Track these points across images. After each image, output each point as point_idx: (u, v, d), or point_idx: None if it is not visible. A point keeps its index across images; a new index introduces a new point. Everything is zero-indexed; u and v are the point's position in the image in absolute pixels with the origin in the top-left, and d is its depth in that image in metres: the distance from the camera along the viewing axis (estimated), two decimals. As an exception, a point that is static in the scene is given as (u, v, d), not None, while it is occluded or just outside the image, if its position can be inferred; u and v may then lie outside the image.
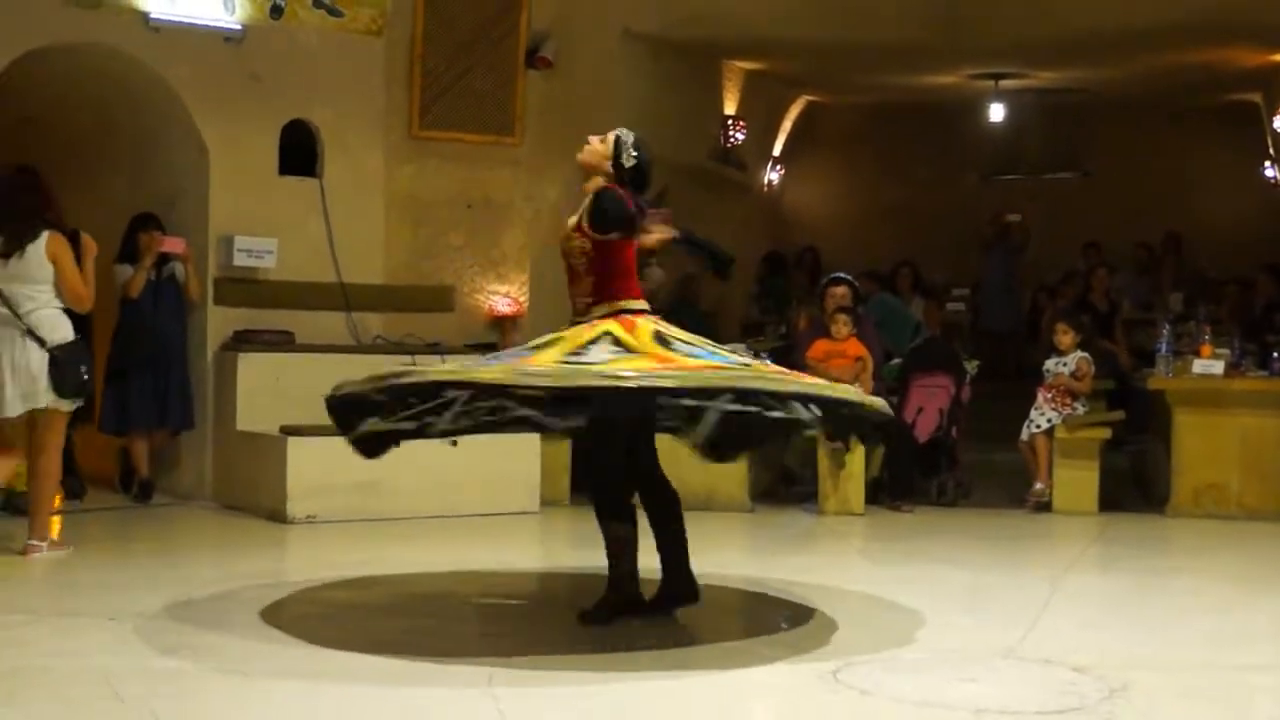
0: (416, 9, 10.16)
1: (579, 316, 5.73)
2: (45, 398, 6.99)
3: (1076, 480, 9.41)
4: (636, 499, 5.82)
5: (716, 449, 5.66)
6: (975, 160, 15.89)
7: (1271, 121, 14.23)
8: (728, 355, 5.64)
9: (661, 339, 5.52)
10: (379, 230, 10.17)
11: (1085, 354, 9.61)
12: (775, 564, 7.66)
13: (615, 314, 5.62)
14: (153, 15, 9.09)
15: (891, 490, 9.54)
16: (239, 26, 9.41)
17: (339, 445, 8.20)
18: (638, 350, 5.41)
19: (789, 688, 4.99)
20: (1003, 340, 14.13)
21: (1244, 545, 8.41)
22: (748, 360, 5.88)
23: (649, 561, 5.84)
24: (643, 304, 5.74)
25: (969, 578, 7.24)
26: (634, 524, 5.74)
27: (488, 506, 8.88)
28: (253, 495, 8.91)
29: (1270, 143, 14.60)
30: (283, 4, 9.52)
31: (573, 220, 5.81)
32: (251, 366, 9.31)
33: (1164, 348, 9.53)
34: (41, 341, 6.95)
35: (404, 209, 10.31)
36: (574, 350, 5.42)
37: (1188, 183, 15.50)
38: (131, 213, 9.36)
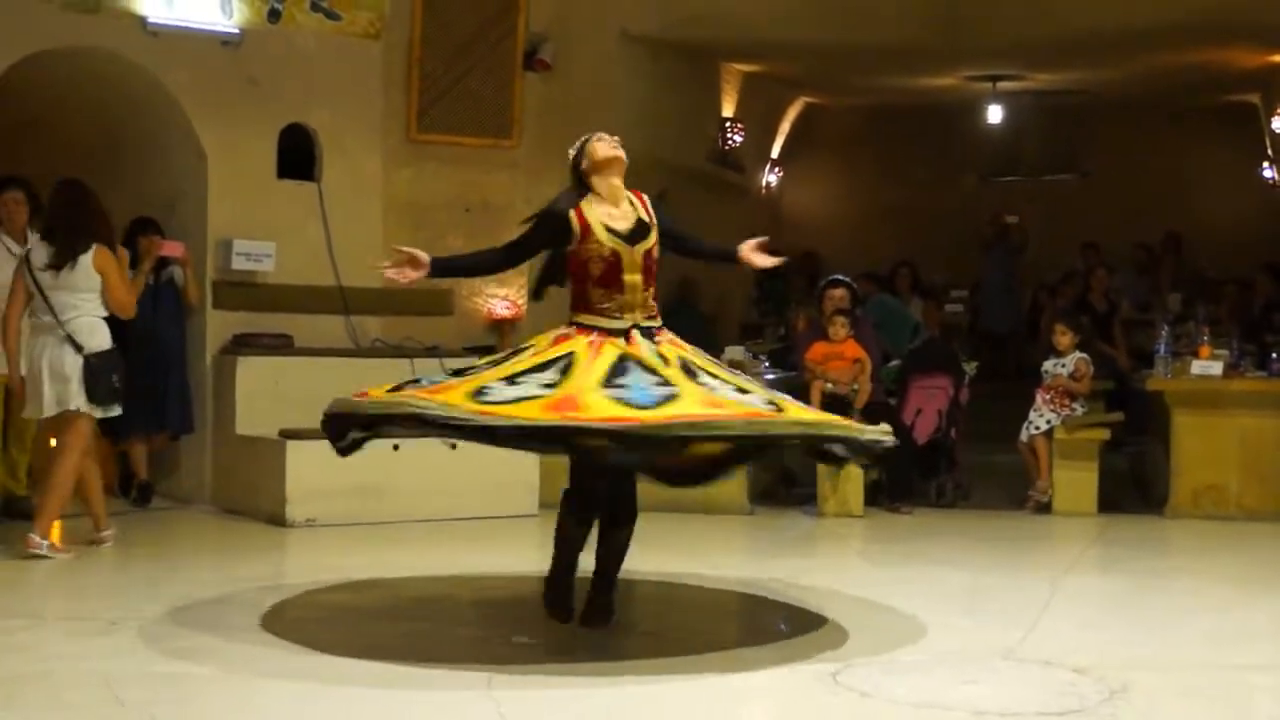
0: (414, 12, 10.16)
1: (637, 320, 5.58)
2: (76, 400, 7.18)
3: (1076, 481, 9.41)
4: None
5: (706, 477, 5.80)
6: (974, 161, 15.90)
7: (1270, 122, 14.24)
8: (754, 395, 5.49)
9: (687, 369, 5.46)
10: (377, 233, 10.16)
11: (1084, 355, 9.61)
12: (774, 566, 7.66)
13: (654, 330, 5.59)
14: (150, 19, 9.10)
15: (891, 492, 9.54)
16: (236, 30, 9.42)
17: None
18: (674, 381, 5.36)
19: (788, 690, 4.99)
20: (1002, 341, 14.13)
21: (1243, 546, 8.41)
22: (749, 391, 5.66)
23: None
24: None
25: (968, 579, 7.24)
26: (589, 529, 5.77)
27: (487, 510, 8.87)
28: (252, 499, 8.91)
29: (1269, 143, 14.61)
30: (280, 7, 9.53)
31: (625, 224, 5.60)
32: (250, 370, 9.31)
33: (1163, 348, 9.53)
34: (79, 347, 7.17)
35: (402, 212, 10.31)
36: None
37: (1186, 183, 15.51)
38: (130, 217, 9.33)
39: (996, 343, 14.00)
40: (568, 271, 5.65)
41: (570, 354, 5.43)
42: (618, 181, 5.68)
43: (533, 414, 5.13)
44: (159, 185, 9.74)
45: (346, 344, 9.85)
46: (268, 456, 8.70)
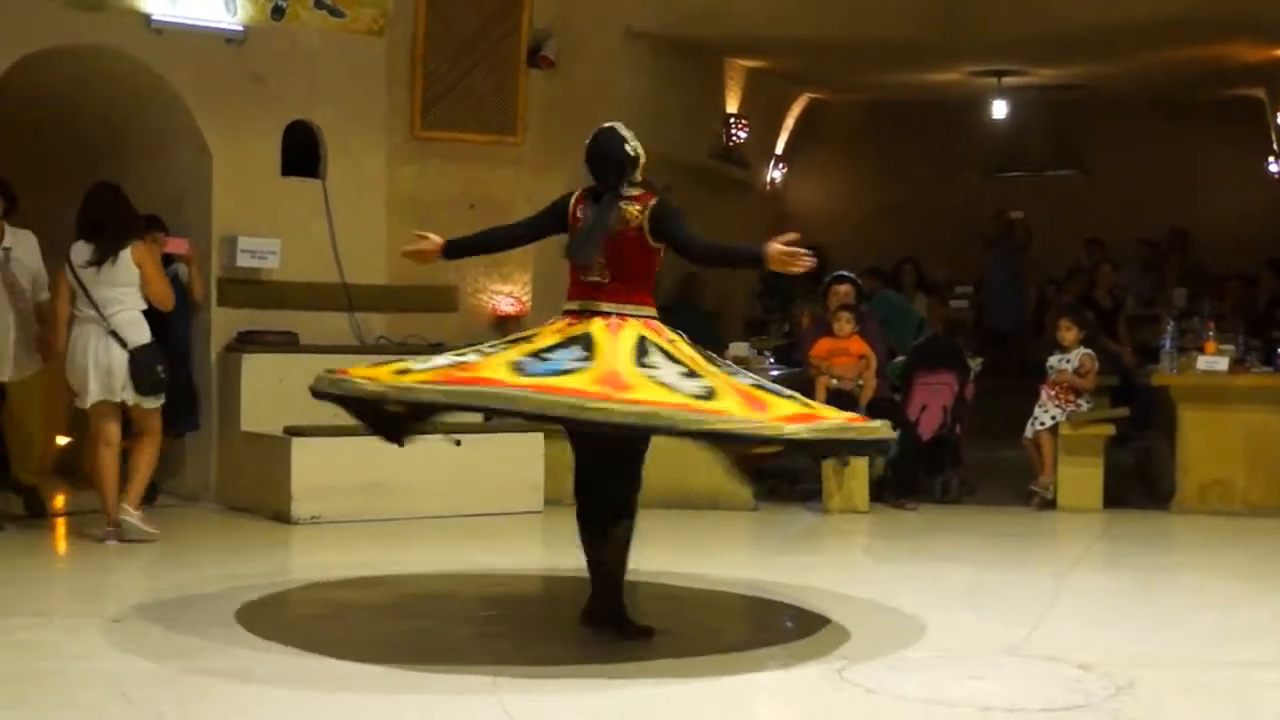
0: (418, 9, 10.16)
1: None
2: (123, 394, 7.66)
3: (1081, 477, 9.40)
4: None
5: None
6: (977, 157, 15.87)
7: (1275, 117, 14.22)
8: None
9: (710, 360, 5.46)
10: (381, 231, 10.16)
11: (1089, 351, 9.60)
12: (779, 563, 7.66)
13: (644, 319, 5.52)
14: (154, 17, 9.10)
15: (896, 488, 9.53)
16: (240, 28, 9.42)
17: (343, 446, 8.22)
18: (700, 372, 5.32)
19: (794, 687, 4.99)
20: (1006, 337, 14.13)
21: (1249, 542, 8.41)
22: (744, 379, 5.63)
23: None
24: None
25: (974, 575, 7.24)
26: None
27: (492, 506, 8.88)
28: (257, 496, 8.91)
29: (1274, 138, 14.58)
30: (284, 5, 9.53)
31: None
32: (255, 367, 9.32)
33: (1168, 344, 9.53)
34: (124, 342, 7.61)
35: (406, 209, 10.29)
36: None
37: (1191, 179, 15.48)
38: (135, 214, 9.37)
39: (1000, 339, 13.99)
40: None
41: (587, 334, 5.39)
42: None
43: (583, 385, 5.08)
44: (163, 183, 9.74)
45: (351, 341, 9.85)
46: (272, 454, 8.70)
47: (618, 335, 5.38)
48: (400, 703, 4.71)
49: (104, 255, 7.64)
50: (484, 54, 10.44)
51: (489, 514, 8.79)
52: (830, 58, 13.38)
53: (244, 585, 6.53)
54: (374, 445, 5.85)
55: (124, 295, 7.68)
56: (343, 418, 5.68)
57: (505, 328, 10.43)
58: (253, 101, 9.58)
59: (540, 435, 8.92)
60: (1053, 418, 9.50)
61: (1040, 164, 15.89)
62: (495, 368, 5.26)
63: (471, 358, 5.42)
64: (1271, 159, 14.76)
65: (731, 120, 13.62)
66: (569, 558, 7.87)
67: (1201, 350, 9.51)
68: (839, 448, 5.89)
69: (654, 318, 5.57)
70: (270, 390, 9.17)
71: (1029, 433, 9.61)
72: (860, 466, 9.27)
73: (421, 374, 5.32)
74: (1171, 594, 6.88)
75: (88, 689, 4.80)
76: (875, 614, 6.13)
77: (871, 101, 15.74)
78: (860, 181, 16.58)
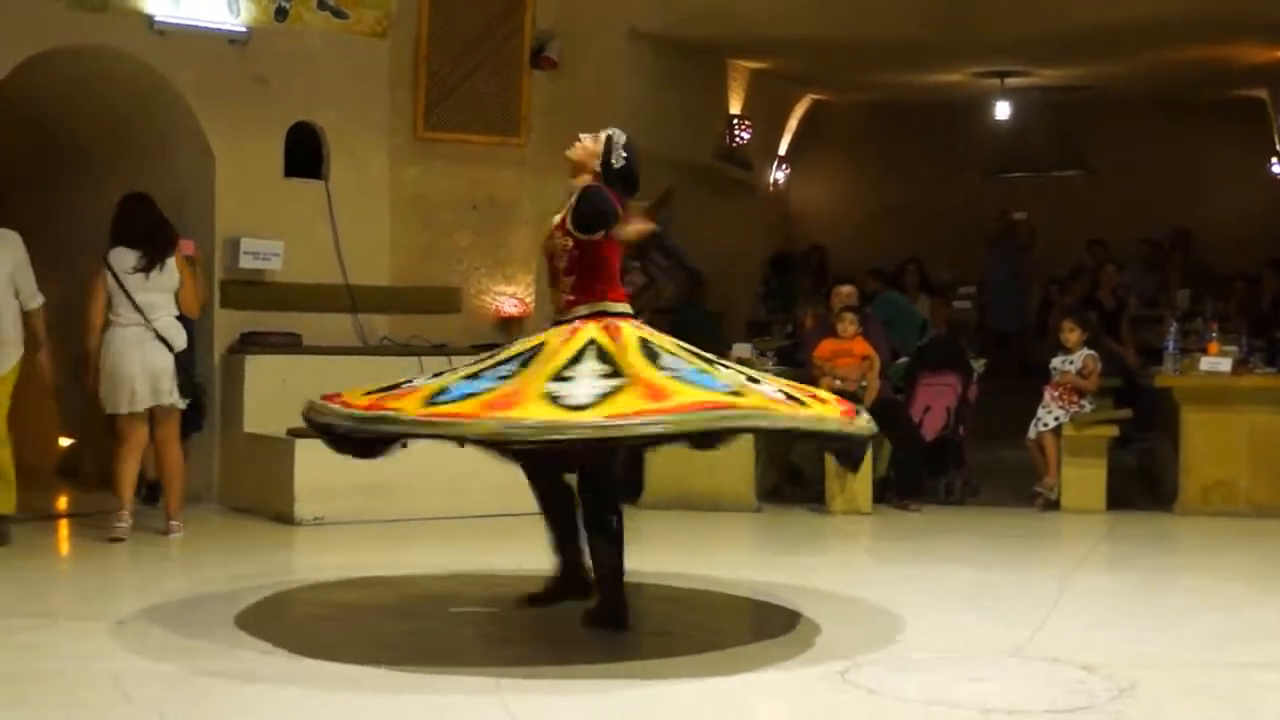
0: (421, 11, 10.16)
1: (560, 316, 5.68)
2: (170, 397, 7.86)
3: (1084, 478, 9.40)
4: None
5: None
6: (980, 158, 15.87)
7: (1278, 117, 14.21)
8: (714, 377, 5.40)
9: (648, 350, 5.43)
10: (385, 232, 10.18)
11: (1092, 352, 9.59)
12: (782, 564, 7.66)
13: (597, 315, 5.57)
14: (157, 18, 9.11)
15: (899, 489, 9.53)
16: (244, 29, 9.43)
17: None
18: (624, 371, 5.27)
19: (796, 688, 4.98)
20: (1009, 338, 14.11)
21: (1253, 543, 8.40)
22: (739, 371, 5.69)
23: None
24: (625, 306, 5.70)
25: (976, 577, 7.23)
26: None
27: (495, 507, 8.84)
28: (260, 497, 8.92)
29: (1277, 138, 14.58)
30: (287, 6, 9.54)
31: (556, 218, 5.77)
32: (259, 369, 9.32)
33: (1171, 345, 9.52)
34: (170, 347, 7.81)
35: (409, 210, 10.31)
36: (558, 372, 5.28)
37: (1193, 179, 15.49)
38: (138, 216, 9.36)
39: (1002, 340, 13.98)
40: (610, 261, 5.73)
41: (542, 344, 5.49)
42: (573, 181, 5.83)
43: (471, 411, 5.16)
44: (166, 184, 9.71)
45: (354, 342, 9.86)
46: (276, 455, 8.71)
47: (621, 339, 5.44)
48: (403, 703, 4.71)
49: (153, 261, 7.81)
50: (487, 55, 10.45)
51: (492, 515, 8.78)
52: (833, 58, 13.38)
53: (247, 586, 6.53)
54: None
55: (167, 301, 7.88)
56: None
57: (508, 329, 10.45)
58: (256, 103, 9.59)
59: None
60: (1056, 419, 9.49)
61: (1043, 164, 15.88)
62: (531, 398, 5.17)
63: (497, 384, 5.34)
64: (1274, 159, 14.76)
65: (734, 121, 13.63)
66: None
67: (1205, 351, 9.50)
68: (824, 441, 5.89)
69: (626, 314, 5.65)
70: (273, 391, 9.17)
71: (1032, 434, 9.60)
72: (864, 467, 9.26)
73: (450, 406, 5.28)
74: (1175, 595, 6.87)
75: (90, 690, 4.80)
76: (877, 615, 6.12)
77: (874, 102, 15.74)
78: (863, 182, 16.58)
